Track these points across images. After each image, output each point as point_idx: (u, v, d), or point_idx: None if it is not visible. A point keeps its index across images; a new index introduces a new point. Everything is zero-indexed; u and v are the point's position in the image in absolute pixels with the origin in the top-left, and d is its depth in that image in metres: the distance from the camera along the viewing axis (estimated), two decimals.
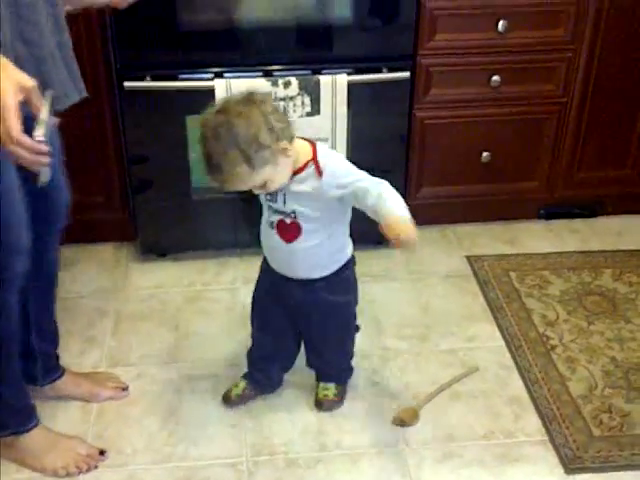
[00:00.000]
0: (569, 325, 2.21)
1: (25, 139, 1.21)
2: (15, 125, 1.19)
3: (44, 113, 1.24)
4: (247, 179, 1.56)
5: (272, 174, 1.58)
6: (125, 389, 1.97)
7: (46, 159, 1.25)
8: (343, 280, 1.81)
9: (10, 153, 1.23)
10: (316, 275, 1.76)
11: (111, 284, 2.39)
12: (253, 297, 1.91)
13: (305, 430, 1.87)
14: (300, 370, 2.00)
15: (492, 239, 2.62)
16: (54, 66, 1.44)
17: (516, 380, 2.02)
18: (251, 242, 1.99)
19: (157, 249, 2.52)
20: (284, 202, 1.67)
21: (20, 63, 1.36)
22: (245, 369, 1.98)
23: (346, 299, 1.84)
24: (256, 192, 1.65)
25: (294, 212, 1.67)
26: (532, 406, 1.94)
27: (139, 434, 1.86)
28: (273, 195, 1.67)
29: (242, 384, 1.95)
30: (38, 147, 1.23)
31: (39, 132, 1.23)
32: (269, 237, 1.74)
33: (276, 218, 1.70)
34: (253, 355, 1.96)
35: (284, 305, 1.84)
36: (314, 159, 1.63)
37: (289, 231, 1.69)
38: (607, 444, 1.83)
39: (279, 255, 1.76)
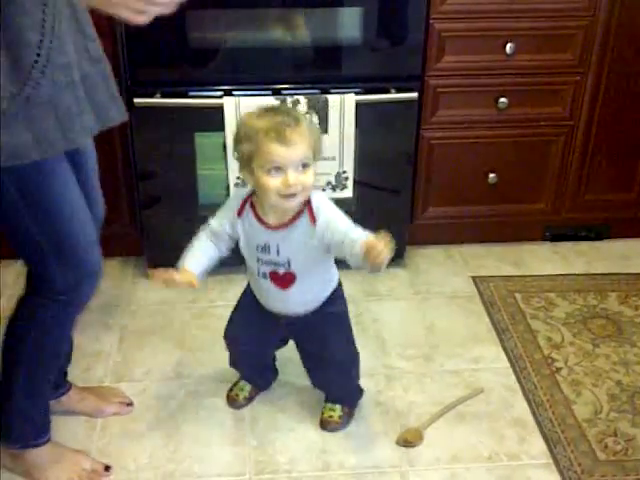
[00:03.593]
0: (574, 348, 2.20)
1: None
2: None
3: None
4: (310, 135, 1.57)
5: (312, 169, 1.59)
6: (130, 404, 1.97)
7: None
8: (335, 298, 1.81)
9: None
10: (311, 308, 1.78)
11: (117, 299, 2.40)
12: (228, 333, 1.92)
13: (309, 448, 1.87)
14: (305, 388, 2.01)
15: (498, 260, 2.62)
16: (113, 80, 1.48)
17: (521, 402, 2.02)
18: None
19: (164, 264, 2.50)
20: (277, 252, 1.66)
21: (90, 81, 1.38)
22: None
23: (339, 309, 1.84)
24: (291, 179, 1.55)
25: (289, 262, 1.67)
26: (537, 429, 1.93)
27: (143, 450, 1.85)
28: (264, 247, 1.67)
29: (247, 387, 1.99)
30: None
31: None
32: (261, 284, 1.75)
33: (268, 269, 1.70)
34: (238, 367, 2.01)
35: (270, 334, 1.88)
36: (308, 206, 1.63)
37: (283, 280, 1.70)
38: (612, 468, 1.82)
39: (273, 298, 1.77)
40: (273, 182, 1.56)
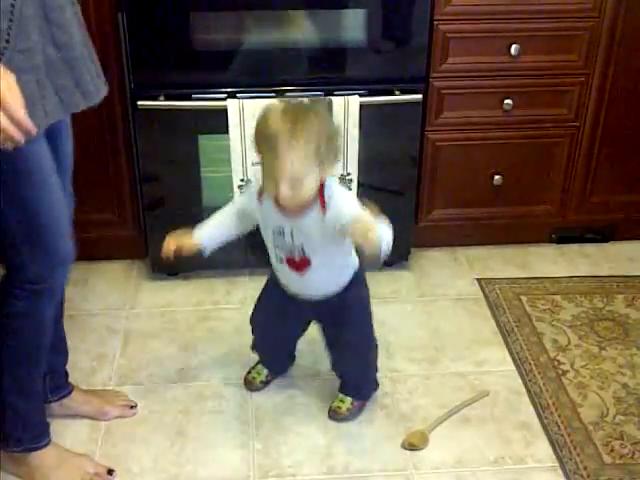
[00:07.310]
0: (580, 350, 2.19)
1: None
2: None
3: None
4: (309, 147, 1.53)
5: (312, 176, 1.57)
6: (134, 407, 1.96)
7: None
8: (355, 283, 1.83)
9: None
10: (330, 292, 1.80)
11: (121, 302, 2.39)
12: (254, 317, 1.98)
13: (314, 452, 1.86)
14: (311, 391, 2.01)
15: (503, 262, 2.61)
16: (85, 65, 1.47)
17: (527, 405, 2.01)
18: (261, 262, 1.99)
19: (167, 267, 2.51)
20: (292, 237, 1.69)
21: (51, 66, 1.38)
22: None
23: (359, 294, 1.85)
24: (281, 193, 1.57)
25: (302, 246, 1.69)
26: (543, 432, 1.92)
27: (147, 453, 1.85)
28: (280, 232, 1.69)
29: (264, 371, 2.04)
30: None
31: None
32: (280, 269, 1.79)
33: (284, 254, 1.74)
34: (259, 351, 2.04)
35: (294, 318, 1.90)
36: (320, 196, 1.64)
37: (299, 265, 1.73)
38: (618, 472, 1.81)
39: (293, 282, 1.81)
40: (268, 187, 1.62)
